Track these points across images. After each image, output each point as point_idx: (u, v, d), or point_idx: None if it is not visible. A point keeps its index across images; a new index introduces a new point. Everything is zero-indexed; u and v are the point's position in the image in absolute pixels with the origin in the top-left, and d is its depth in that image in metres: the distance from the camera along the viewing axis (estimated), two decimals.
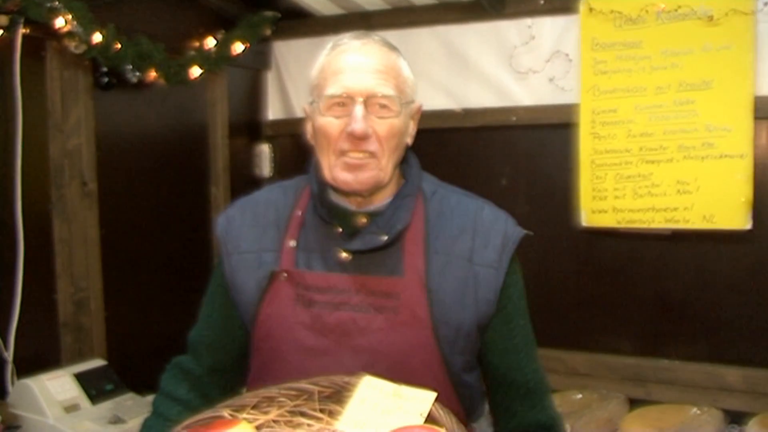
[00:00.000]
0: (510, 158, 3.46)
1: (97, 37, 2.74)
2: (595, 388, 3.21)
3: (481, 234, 1.65)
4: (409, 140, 1.71)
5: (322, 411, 1.41)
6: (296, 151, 3.77)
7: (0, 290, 2.68)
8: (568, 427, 2.86)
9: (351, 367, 1.52)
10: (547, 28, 3.29)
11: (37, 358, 2.76)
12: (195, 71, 3.21)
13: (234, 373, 1.78)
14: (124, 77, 2.94)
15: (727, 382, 3.07)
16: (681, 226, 3.06)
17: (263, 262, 1.66)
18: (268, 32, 3.65)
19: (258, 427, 1.39)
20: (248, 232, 1.71)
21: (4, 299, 2.69)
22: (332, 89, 1.56)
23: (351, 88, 1.55)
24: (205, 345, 1.78)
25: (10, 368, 2.69)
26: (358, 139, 1.54)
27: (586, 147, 3.18)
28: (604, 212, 3.19)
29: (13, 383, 2.66)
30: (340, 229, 1.63)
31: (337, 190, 1.63)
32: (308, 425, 1.39)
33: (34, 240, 2.77)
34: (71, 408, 2.57)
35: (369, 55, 1.59)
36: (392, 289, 1.58)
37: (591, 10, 3.12)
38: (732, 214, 2.98)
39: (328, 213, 1.64)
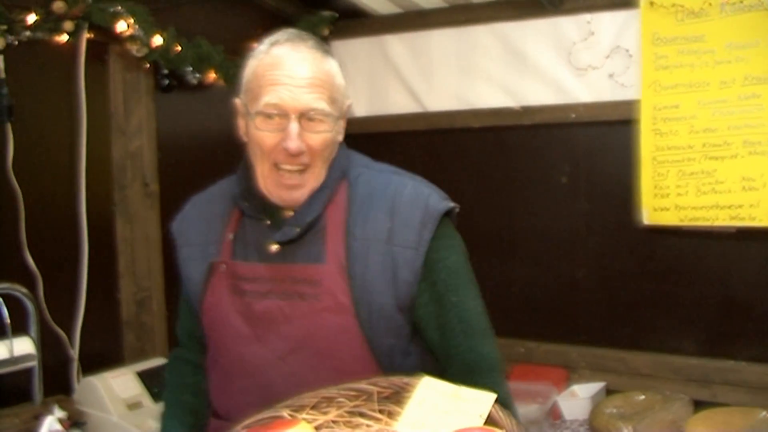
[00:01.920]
0: (570, 156, 3.42)
1: (157, 40, 2.79)
2: (658, 390, 3.14)
3: (400, 213, 1.64)
4: (340, 138, 1.73)
5: (381, 412, 1.41)
6: (354, 149, 3.78)
7: (66, 290, 2.74)
8: (630, 427, 2.82)
9: (281, 354, 1.61)
10: (607, 23, 3.23)
11: (101, 356, 2.82)
12: None
13: None
14: (184, 79, 2.99)
15: None
16: (746, 223, 2.98)
17: (207, 254, 1.73)
18: (325, 32, 3.66)
19: (317, 428, 1.40)
20: (196, 226, 1.79)
21: (70, 298, 2.75)
22: (267, 100, 1.58)
23: (286, 103, 1.57)
24: (188, 335, 1.89)
25: (75, 366, 2.75)
26: (292, 155, 1.58)
27: (648, 144, 3.12)
28: (666, 210, 3.12)
29: (78, 380, 2.73)
30: (269, 222, 1.68)
31: None
32: (367, 426, 1.39)
33: (98, 240, 2.83)
34: (134, 405, 2.61)
35: (304, 64, 1.60)
36: (314, 276, 1.61)
37: (651, 4, 3.06)
38: None
39: (255, 208, 1.69)
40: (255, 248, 1.69)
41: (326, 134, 1.62)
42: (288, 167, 1.60)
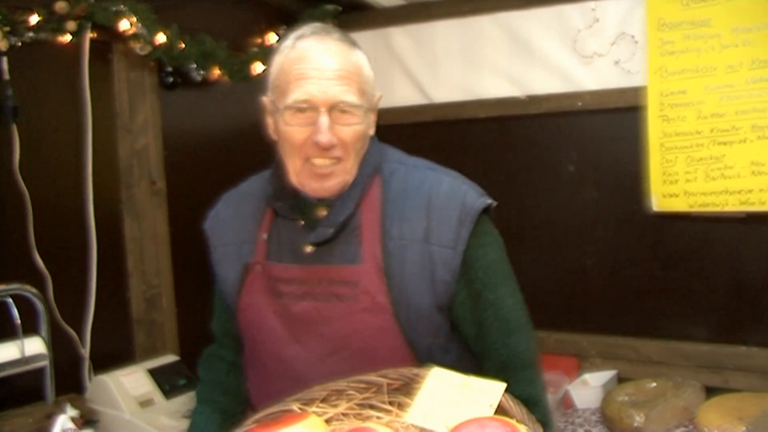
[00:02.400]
0: (577, 144, 3.41)
1: (161, 38, 2.79)
2: (669, 377, 3.13)
3: (437, 211, 1.62)
4: (372, 131, 1.70)
5: (391, 403, 1.41)
6: None
7: (76, 289, 2.75)
8: (642, 414, 2.81)
9: (319, 355, 1.61)
10: (612, 10, 3.21)
11: (111, 355, 2.83)
12: (258, 67, 3.24)
13: None
14: (188, 76, 2.99)
15: None
16: (756, 208, 2.97)
17: (241, 254, 1.73)
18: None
19: (327, 421, 1.40)
20: (230, 225, 1.79)
21: (80, 298, 2.76)
22: (295, 96, 1.56)
23: (315, 97, 1.55)
24: (224, 333, 1.88)
25: (87, 364, 2.76)
26: (324, 149, 1.56)
27: (655, 130, 3.11)
28: (676, 196, 3.11)
29: (90, 379, 2.74)
30: (302, 222, 1.66)
31: None
32: (377, 418, 1.39)
33: (106, 239, 2.83)
34: (146, 403, 2.62)
35: (331, 56, 1.58)
36: (351, 277, 1.60)
37: None
38: None
39: (289, 208, 1.68)
40: (289, 249, 1.68)
41: (357, 126, 1.60)
42: (320, 161, 1.59)
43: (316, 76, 1.56)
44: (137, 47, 2.77)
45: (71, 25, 2.60)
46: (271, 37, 3.36)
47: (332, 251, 1.63)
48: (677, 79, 3.05)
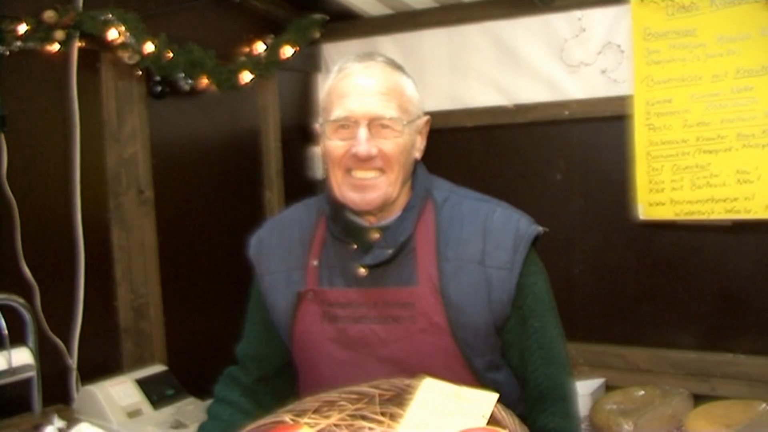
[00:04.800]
0: (563, 153, 3.42)
1: (149, 47, 2.78)
2: (657, 385, 3.15)
3: (493, 236, 1.66)
4: (418, 154, 1.75)
5: (383, 414, 1.41)
6: None
7: (63, 299, 2.74)
8: (631, 422, 2.82)
9: (378, 377, 1.57)
10: (598, 19, 3.24)
11: (99, 365, 2.82)
12: (246, 77, 3.24)
13: (281, 379, 1.88)
14: (176, 85, 2.98)
15: None
16: (742, 216, 2.99)
17: (291, 282, 1.74)
18: (317, 35, 3.65)
19: None
20: (277, 253, 1.80)
21: (68, 307, 2.74)
22: (337, 113, 1.62)
23: (355, 111, 1.60)
24: (250, 358, 1.88)
25: (74, 375, 2.74)
26: (362, 161, 1.60)
27: (642, 139, 3.13)
28: (662, 204, 3.13)
29: (77, 389, 2.72)
30: (355, 246, 1.69)
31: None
32: (369, 429, 1.39)
33: (94, 248, 2.82)
34: (134, 413, 2.61)
35: (372, 76, 1.63)
36: (407, 298, 1.62)
37: None
38: None
39: (342, 231, 1.71)
40: (341, 273, 1.70)
41: (398, 140, 1.63)
42: (360, 173, 1.62)
43: (357, 93, 1.61)
44: (125, 56, 2.76)
45: (60, 34, 2.59)
46: (259, 46, 3.36)
47: (386, 273, 1.65)
48: (663, 88, 3.07)
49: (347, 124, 1.61)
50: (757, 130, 2.91)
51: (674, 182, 3.09)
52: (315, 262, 1.72)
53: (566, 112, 3.35)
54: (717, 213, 3.03)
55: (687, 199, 3.07)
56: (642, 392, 3.10)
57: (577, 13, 3.27)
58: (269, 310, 1.80)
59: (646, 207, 3.16)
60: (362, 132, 1.59)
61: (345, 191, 1.65)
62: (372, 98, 1.60)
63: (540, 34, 3.37)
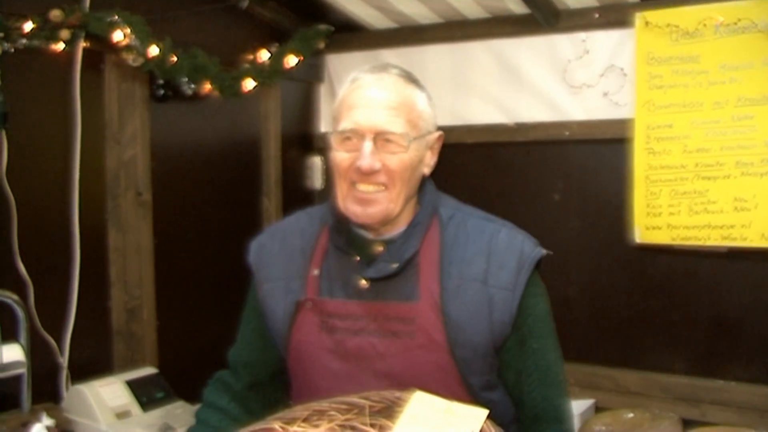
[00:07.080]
0: (562, 173, 3.43)
1: (153, 51, 2.78)
2: (647, 408, 3.14)
3: (496, 256, 1.66)
4: (427, 170, 1.74)
5: (372, 426, 1.40)
6: None
7: (57, 297, 2.73)
8: None
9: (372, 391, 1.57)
10: (602, 42, 3.25)
11: (90, 365, 2.81)
12: (249, 84, 3.25)
13: (272, 387, 1.87)
14: (179, 90, 2.98)
15: None
16: (738, 243, 2.99)
17: (290, 290, 1.73)
18: (321, 45, 3.66)
19: None
20: (277, 260, 1.78)
21: (61, 306, 2.74)
22: (344, 124, 1.62)
23: (361, 124, 1.59)
24: (242, 364, 1.87)
25: (64, 373, 2.74)
26: (365, 174, 1.59)
27: (641, 162, 3.14)
28: (659, 229, 3.13)
29: (67, 388, 2.71)
30: (358, 258, 1.68)
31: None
32: None
33: (90, 248, 2.82)
34: (123, 414, 2.60)
35: (384, 89, 1.63)
36: (408, 314, 1.62)
37: (647, 24, 3.08)
38: None
39: (345, 242, 1.70)
40: (341, 284, 1.69)
41: (403, 155, 1.61)
42: (363, 187, 1.61)
43: (365, 105, 1.60)
44: (130, 59, 2.77)
45: (65, 33, 2.59)
46: (263, 54, 3.37)
47: (388, 287, 1.65)
48: (664, 113, 3.08)
49: (353, 137, 1.60)
50: (756, 158, 2.93)
51: (672, 207, 3.10)
52: (316, 272, 1.71)
53: (566, 133, 3.36)
54: (713, 239, 3.04)
55: (684, 224, 3.08)
56: (631, 415, 3.09)
57: (581, 35, 3.28)
58: (266, 317, 1.79)
59: (642, 231, 3.16)
60: (367, 145, 1.58)
61: (348, 203, 1.64)
62: (380, 112, 1.59)
63: (543, 54, 3.38)
